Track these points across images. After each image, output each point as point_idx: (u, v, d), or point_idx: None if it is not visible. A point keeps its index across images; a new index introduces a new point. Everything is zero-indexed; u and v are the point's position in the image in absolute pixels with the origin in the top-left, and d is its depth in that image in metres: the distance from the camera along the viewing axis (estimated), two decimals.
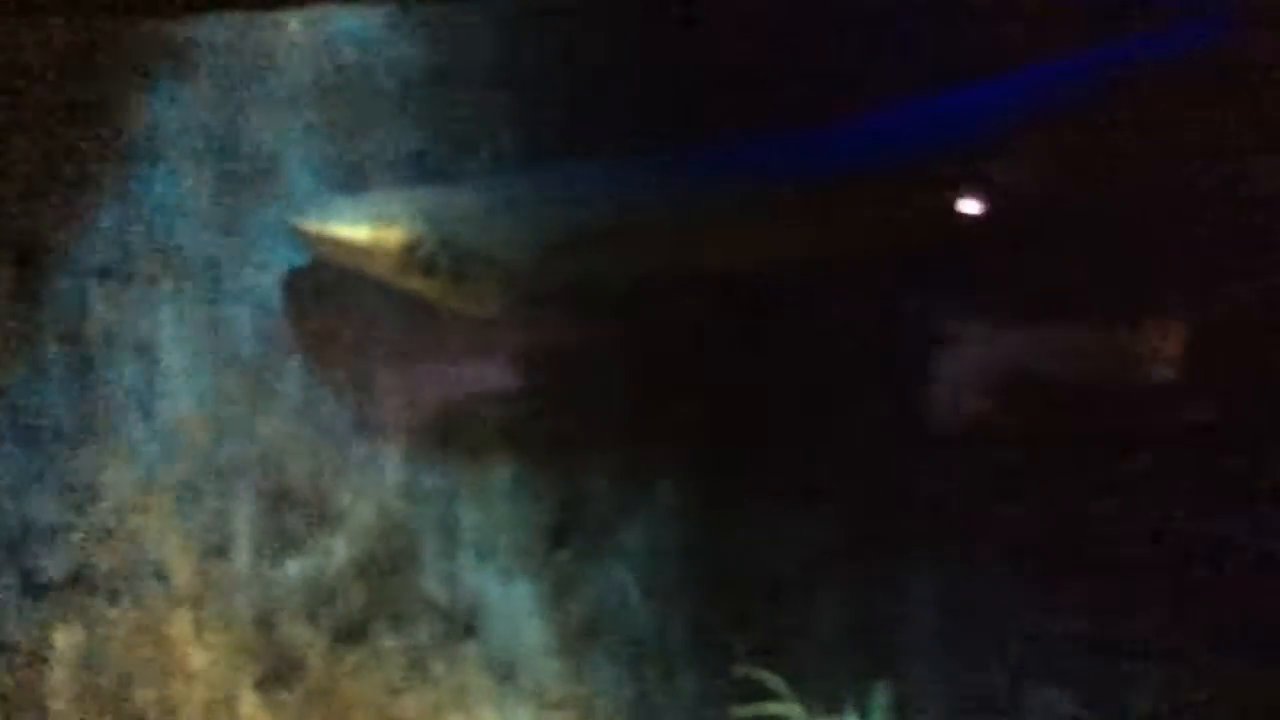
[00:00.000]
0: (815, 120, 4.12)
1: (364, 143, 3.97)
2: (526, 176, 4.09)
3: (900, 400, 4.28)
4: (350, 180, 3.96)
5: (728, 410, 4.22)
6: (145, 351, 3.85)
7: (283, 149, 3.92)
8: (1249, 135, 3.90)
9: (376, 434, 4.02)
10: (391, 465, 4.03)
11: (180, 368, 3.87)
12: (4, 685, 3.75)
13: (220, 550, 3.90)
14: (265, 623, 3.92)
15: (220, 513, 3.90)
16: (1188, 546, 4.00)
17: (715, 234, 4.14)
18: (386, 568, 4.02)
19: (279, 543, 3.94)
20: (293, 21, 3.89)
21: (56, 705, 3.78)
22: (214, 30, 3.84)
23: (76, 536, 3.81)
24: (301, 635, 3.95)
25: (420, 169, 4.00)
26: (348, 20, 3.96)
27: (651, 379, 4.18)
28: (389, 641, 4.03)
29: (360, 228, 3.81)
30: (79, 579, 3.81)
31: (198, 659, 3.87)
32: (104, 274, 3.82)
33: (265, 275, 3.91)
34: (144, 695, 3.83)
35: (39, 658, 3.77)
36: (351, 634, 3.99)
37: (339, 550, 3.98)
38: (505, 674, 4.14)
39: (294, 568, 3.94)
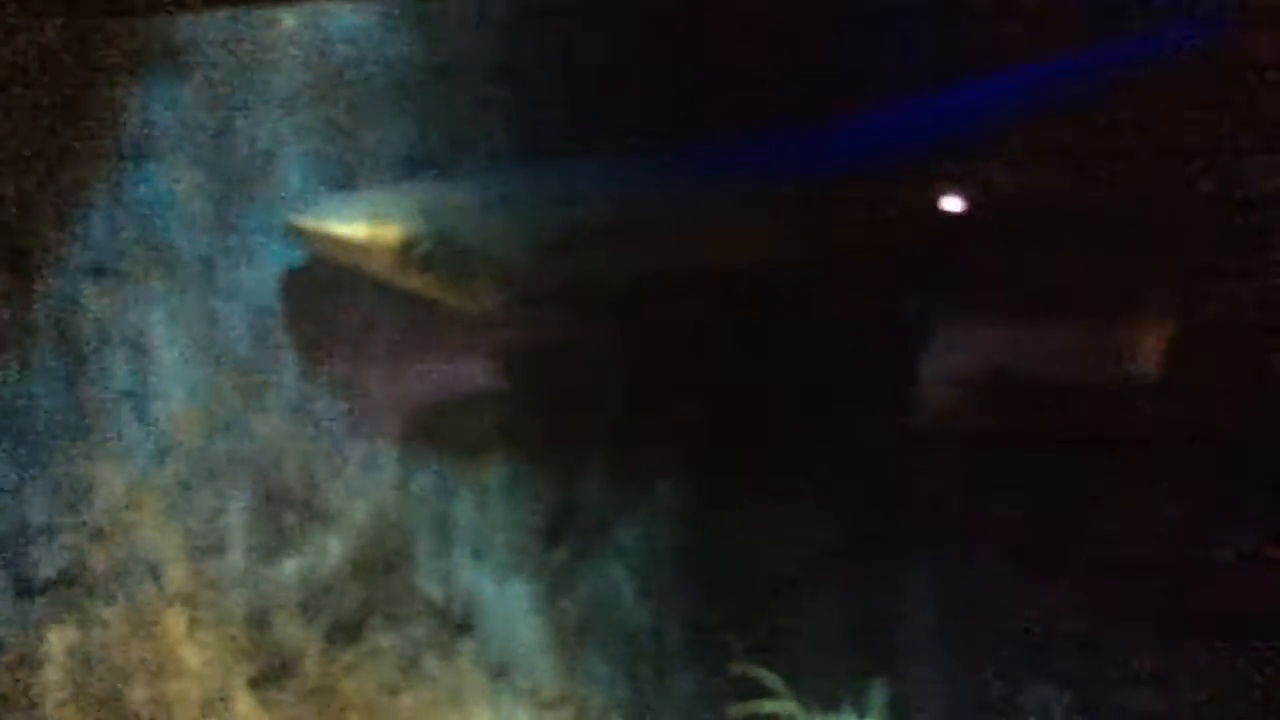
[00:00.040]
0: (813, 119, 4.12)
1: (360, 140, 3.95)
2: (524, 174, 4.08)
3: (898, 399, 4.28)
4: (346, 178, 3.94)
5: (724, 409, 4.22)
6: (138, 349, 3.83)
7: (277, 146, 3.90)
8: (1245, 134, 3.90)
9: (371, 432, 4.01)
10: (386, 463, 4.02)
11: (174, 366, 3.85)
12: None
13: (214, 549, 3.88)
14: (260, 622, 3.91)
15: (214, 511, 3.88)
16: (1185, 546, 4.01)
17: (713, 232, 4.14)
18: (382, 566, 4.01)
19: (273, 541, 3.92)
20: (287, 18, 3.88)
21: (50, 705, 3.76)
22: (208, 27, 3.82)
23: (69, 535, 3.79)
24: (296, 634, 3.94)
25: (416, 166, 4.00)
26: (343, 17, 3.95)
27: (648, 378, 4.18)
28: (384, 640, 4.02)
29: (358, 225, 3.80)
30: (72, 578, 3.79)
31: (192, 658, 3.86)
32: (97, 271, 3.80)
33: (260, 273, 3.89)
34: (138, 694, 3.82)
35: (32, 657, 3.75)
36: (346, 633, 3.99)
37: (334, 549, 3.97)
38: (501, 672, 4.14)
39: (289, 566, 3.93)
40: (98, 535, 3.81)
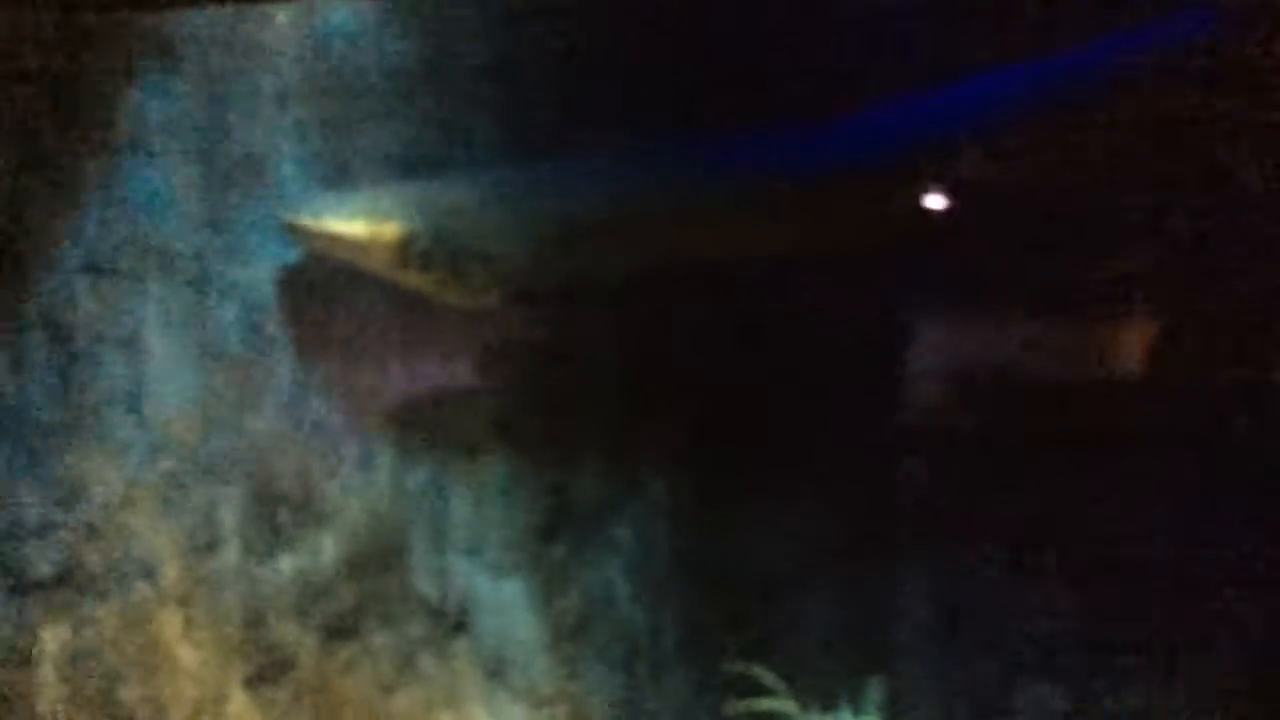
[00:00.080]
0: (810, 115, 4.11)
1: (354, 137, 3.94)
2: (521, 170, 4.07)
3: (896, 397, 4.28)
4: (340, 175, 3.93)
5: (721, 406, 4.22)
6: (132, 347, 3.81)
7: (272, 144, 3.88)
8: (1240, 133, 3.89)
9: (366, 430, 4.00)
10: (382, 462, 4.02)
11: (168, 364, 3.84)
12: None
13: (209, 547, 3.87)
14: (255, 620, 3.90)
15: (209, 510, 3.87)
16: (1181, 545, 4.01)
17: (710, 228, 4.14)
18: (377, 565, 4.01)
19: (268, 540, 3.91)
20: (281, 15, 3.86)
21: (43, 704, 3.74)
22: (201, 23, 3.81)
23: (63, 534, 3.77)
24: (291, 633, 3.93)
25: (412, 163, 3.98)
26: (338, 13, 3.93)
27: (644, 374, 4.18)
28: (379, 639, 4.01)
29: (356, 222, 3.80)
30: (66, 577, 3.77)
31: (186, 657, 3.84)
32: (90, 269, 3.78)
33: (254, 271, 3.88)
34: (132, 694, 3.80)
35: (25, 656, 3.73)
36: (342, 631, 3.98)
37: (329, 547, 3.96)
38: (496, 671, 4.14)
39: (284, 565, 3.92)
40: (92, 534, 3.79)
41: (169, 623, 3.83)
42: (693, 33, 4.13)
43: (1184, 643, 4.00)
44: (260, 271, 3.89)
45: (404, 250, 3.82)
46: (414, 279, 3.87)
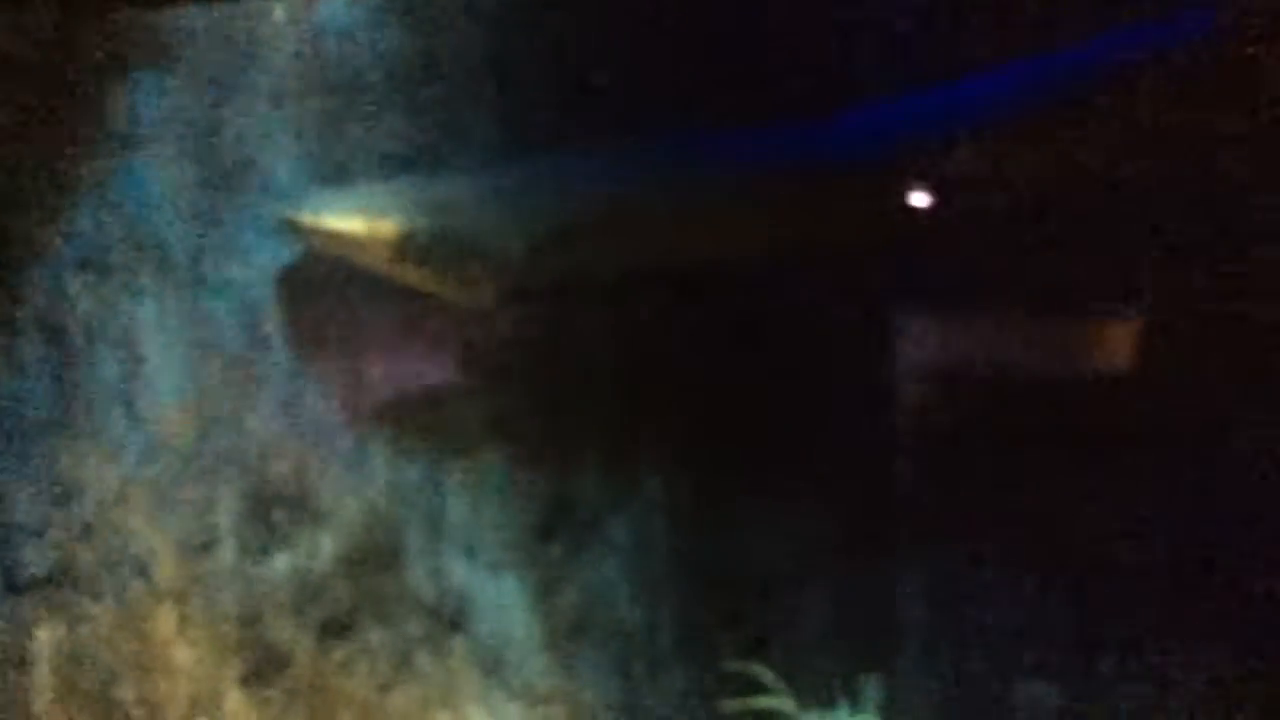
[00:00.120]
0: (808, 112, 4.11)
1: (351, 134, 3.93)
2: (518, 166, 4.06)
3: (892, 395, 4.28)
4: (336, 172, 3.92)
5: (717, 404, 4.21)
6: (127, 346, 3.80)
7: (267, 141, 3.87)
8: (1236, 132, 3.89)
9: (362, 428, 3.99)
10: (378, 460, 4.01)
11: (162, 361, 3.83)
12: None
13: (204, 546, 3.86)
14: (250, 619, 3.89)
15: (204, 508, 3.86)
16: (1177, 543, 4.01)
17: (708, 225, 4.13)
18: (373, 563, 4.00)
19: (264, 538, 3.90)
20: (277, 10, 3.85)
21: (38, 703, 3.74)
22: (196, 19, 3.79)
23: (58, 532, 3.76)
24: (287, 631, 3.92)
25: (408, 160, 3.97)
26: (333, 8, 3.92)
27: (642, 372, 4.17)
28: (376, 637, 4.00)
29: (354, 219, 3.79)
30: (61, 575, 3.76)
31: (182, 655, 3.83)
32: (85, 267, 3.77)
33: (249, 268, 3.87)
34: (127, 692, 3.79)
35: (20, 655, 3.73)
36: (338, 630, 3.97)
37: (325, 546, 3.95)
38: (493, 669, 4.13)
39: (279, 563, 3.91)
40: (87, 532, 3.78)
41: (164, 621, 3.82)
42: (691, 28, 4.12)
43: (1181, 642, 4.00)
44: (256, 269, 3.88)
45: (402, 247, 3.81)
46: (412, 276, 3.86)
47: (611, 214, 4.03)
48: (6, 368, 3.73)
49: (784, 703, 4.02)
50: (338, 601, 3.96)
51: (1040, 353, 4.24)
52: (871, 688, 4.09)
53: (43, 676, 3.74)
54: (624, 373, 4.18)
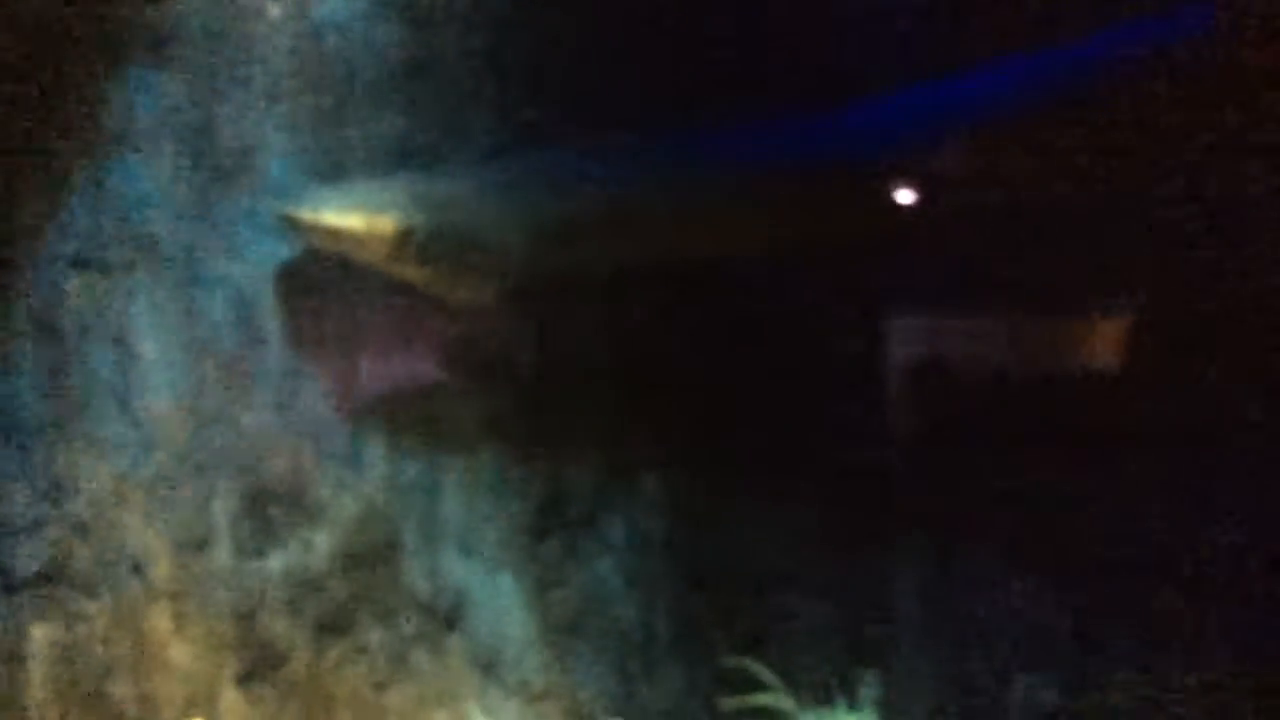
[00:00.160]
0: (806, 109, 4.10)
1: (348, 130, 3.92)
2: (517, 163, 4.05)
3: (888, 393, 4.27)
4: (333, 169, 3.91)
5: (713, 402, 4.21)
6: (122, 343, 3.79)
7: (263, 137, 3.86)
8: (1238, 130, 3.88)
9: (359, 426, 3.98)
10: (374, 458, 4.00)
11: (157, 359, 3.81)
12: None
13: (200, 544, 3.85)
14: (246, 617, 3.88)
15: (199, 506, 3.85)
16: (1175, 543, 4.01)
17: (707, 221, 4.12)
18: (369, 561, 3.99)
19: (260, 536, 3.89)
20: (273, 7, 3.83)
21: (34, 701, 3.73)
22: (192, 16, 3.77)
23: (53, 531, 3.75)
24: (283, 629, 3.91)
25: (405, 157, 3.96)
26: (329, 4, 3.90)
27: (638, 369, 4.16)
28: (372, 635, 4.00)
29: (352, 215, 3.77)
30: (56, 574, 3.76)
31: (177, 653, 3.83)
32: (79, 265, 3.75)
33: (244, 266, 3.85)
34: (123, 690, 3.79)
35: (16, 653, 3.72)
36: (334, 628, 3.96)
37: (321, 544, 3.94)
38: (489, 666, 4.13)
39: (275, 561, 3.90)
40: (82, 530, 3.77)
41: (160, 619, 3.82)
42: (690, 26, 4.11)
43: (1178, 640, 4.00)
44: (251, 266, 3.86)
45: (400, 243, 3.80)
46: (410, 272, 3.85)
47: (609, 211, 4.02)
48: (1, 365, 3.71)
49: (782, 700, 4.03)
50: (334, 600, 3.95)
51: (1040, 351, 4.24)
52: (868, 684, 4.10)
53: (38, 674, 3.73)
54: (620, 370, 4.17)
